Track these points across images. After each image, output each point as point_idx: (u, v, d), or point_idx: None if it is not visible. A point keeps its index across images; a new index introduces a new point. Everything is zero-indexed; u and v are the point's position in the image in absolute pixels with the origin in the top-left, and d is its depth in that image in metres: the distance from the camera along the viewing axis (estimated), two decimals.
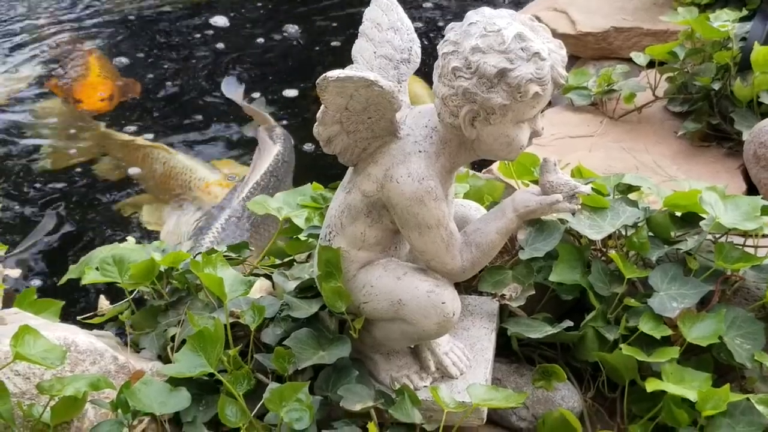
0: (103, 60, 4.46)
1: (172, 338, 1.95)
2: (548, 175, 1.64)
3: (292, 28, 4.67)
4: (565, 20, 3.60)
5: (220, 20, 4.81)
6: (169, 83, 4.34)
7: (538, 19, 3.50)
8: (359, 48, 1.77)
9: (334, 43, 4.52)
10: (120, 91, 4.23)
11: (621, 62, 3.34)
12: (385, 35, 1.76)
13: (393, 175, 1.59)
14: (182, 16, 4.87)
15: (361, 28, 1.79)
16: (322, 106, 1.57)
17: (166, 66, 4.46)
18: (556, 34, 3.43)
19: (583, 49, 3.55)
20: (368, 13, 1.79)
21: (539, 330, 1.89)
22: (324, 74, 1.48)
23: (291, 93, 4.27)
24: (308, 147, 3.79)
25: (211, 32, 4.72)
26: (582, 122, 3.08)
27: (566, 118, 3.11)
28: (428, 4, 4.81)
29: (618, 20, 3.53)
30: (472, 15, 1.54)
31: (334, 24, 4.71)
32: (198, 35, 4.69)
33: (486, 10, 1.54)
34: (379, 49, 1.75)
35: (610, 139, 2.97)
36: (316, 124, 1.61)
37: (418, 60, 1.77)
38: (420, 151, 1.60)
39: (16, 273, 3.09)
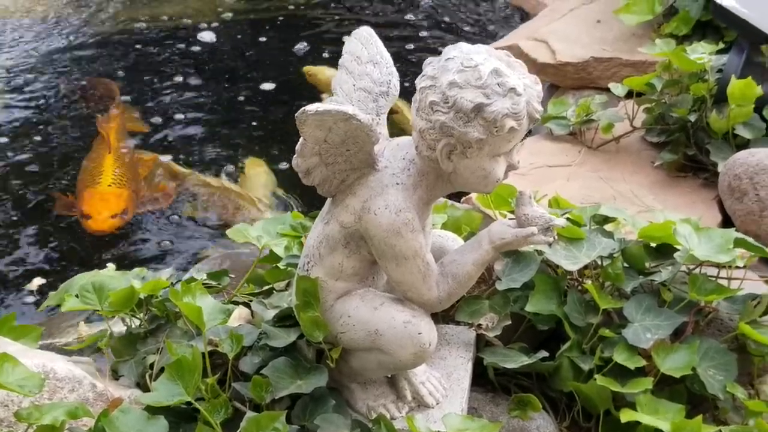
0: (124, 155, 3.80)
1: (151, 366, 1.95)
2: (524, 208, 1.66)
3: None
4: (545, 50, 3.63)
5: (206, 36, 4.84)
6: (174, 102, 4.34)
7: (519, 48, 3.58)
8: (339, 80, 1.80)
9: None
10: (134, 203, 3.58)
11: (600, 92, 3.37)
12: (364, 68, 1.78)
13: (370, 206, 1.61)
14: (166, 35, 4.88)
15: (341, 60, 1.81)
16: (301, 139, 1.59)
17: (165, 84, 4.46)
18: (536, 64, 3.51)
19: (563, 79, 3.59)
20: (348, 47, 1.82)
21: (515, 360, 1.90)
22: (303, 108, 1.50)
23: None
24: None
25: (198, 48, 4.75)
26: (560, 151, 3.11)
27: (545, 148, 3.14)
28: (425, 33, 4.85)
29: (597, 50, 3.57)
30: (449, 50, 1.57)
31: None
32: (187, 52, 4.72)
33: (463, 46, 1.57)
34: (359, 82, 1.78)
35: (588, 169, 3.00)
36: (294, 156, 1.63)
37: (397, 93, 1.79)
38: (397, 183, 1.61)
39: (39, 282, 3.09)
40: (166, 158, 3.91)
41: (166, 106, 4.29)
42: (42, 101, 4.30)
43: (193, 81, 4.49)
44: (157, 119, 4.19)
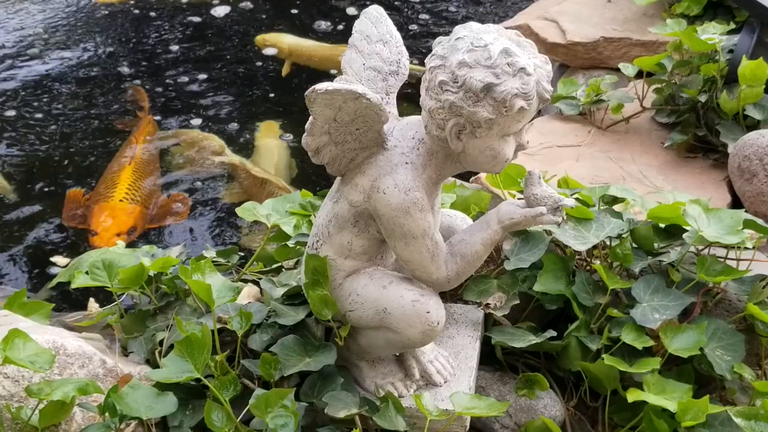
0: (143, 168, 3.64)
1: (161, 342, 1.97)
2: (533, 188, 1.66)
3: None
4: (556, 29, 3.62)
5: (222, 10, 4.86)
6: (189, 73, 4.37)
7: (529, 28, 3.57)
8: (349, 59, 1.80)
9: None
10: (144, 220, 3.44)
11: (610, 72, 3.36)
12: (374, 47, 1.78)
13: (380, 185, 1.61)
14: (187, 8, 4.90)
15: (350, 39, 1.81)
16: (310, 117, 1.59)
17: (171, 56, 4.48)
18: (546, 44, 3.50)
19: (573, 59, 3.58)
20: (358, 25, 1.82)
21: (523, 339, 1.91)
22: (313, 87, 1.50)
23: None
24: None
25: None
26: (570, 132, 3.10)
27: (555, 127, 3.13)
28: (424, 16, 4.84)
29: (608, 30, 3.55)
30: (459, 30, 1.56)
31: None
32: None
33: (473, 25, 1.56)
34: (368, 61, 1.78)
35: (598, 149, 3.00)
36: (304, 134, 1.63)
37: (407, 72, 1.79)
38: (407, 163, 1.62)
39: (63, 261, 3.10)
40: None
41: (183, 78, 4.31)
42: (56, 85, 4.31)
43: (210, 53, 4.51)
44: (171, 91, 4.21)
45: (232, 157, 3.75)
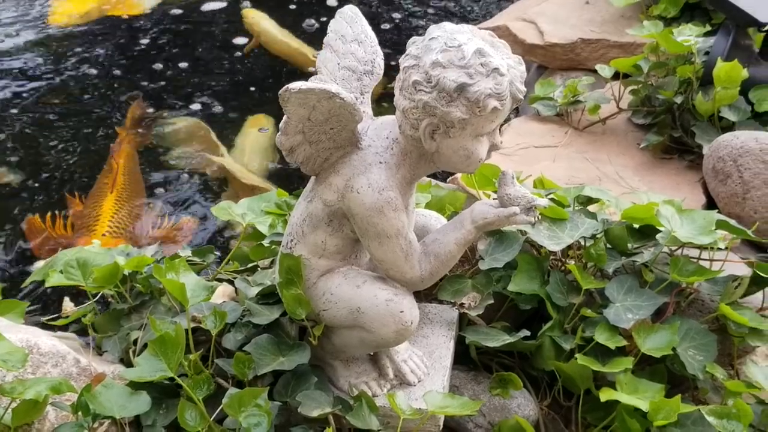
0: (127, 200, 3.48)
1: (135, 342, 1.96)
2: (506, 188, 1.66)
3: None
4: (534, 31, 3.63)
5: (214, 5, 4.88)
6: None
7: (507, 29, 3.58)
8: (323, 59, 1.80)
9: None
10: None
11: (588, 73, 3.37)
12: (348, 47, 1.79)
13: (354, 185, 1.61)
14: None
15: (325, 39, 1.81)
16: (284, 117, 1.59)
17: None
18: (524, 45, 3.51)
19: (551, 60, 3.58)
20: (333, 25, 1.82)
21: (497, 339, 1.92)
22: (286, 86, 1.51)
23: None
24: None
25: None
26: (547, 132, 3.11)
27: (532, 128, 3.14)
28: (397, 15, 4.85)
29: (586, 32, 3.56)
30: (433, 30, 1.57)
31: None
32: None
33: (447, 26, 1.57)
34: (343, 61, 1.78)
35: (574, 150, 3.01)
36: (278, 134, 1.63)
37: (381, 72, 1.80)
38: (381, 162, 1.62)
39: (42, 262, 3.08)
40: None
41: (169, 73, 4.31)
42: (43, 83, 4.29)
43: (198, 50, 4.51)
44: (157, 86, 4.20)
45: (224, 158, 3.74)
